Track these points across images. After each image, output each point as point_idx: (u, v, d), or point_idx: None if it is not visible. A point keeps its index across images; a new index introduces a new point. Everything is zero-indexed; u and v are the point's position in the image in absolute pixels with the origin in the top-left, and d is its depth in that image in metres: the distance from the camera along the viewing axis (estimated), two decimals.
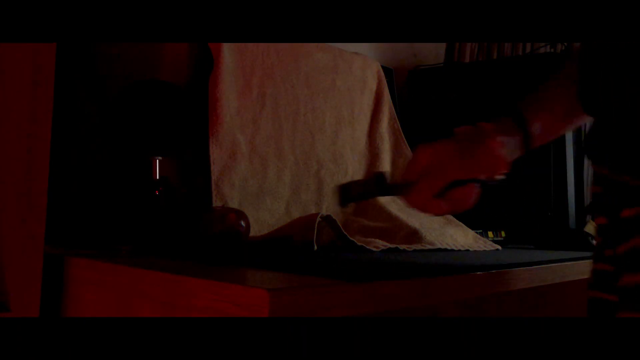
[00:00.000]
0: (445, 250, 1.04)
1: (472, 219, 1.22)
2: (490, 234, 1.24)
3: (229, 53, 1.09)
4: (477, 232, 1.19)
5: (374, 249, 0.94)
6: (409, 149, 1.39)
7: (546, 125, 0.67)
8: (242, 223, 0.87)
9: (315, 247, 0.89)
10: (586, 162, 1.30)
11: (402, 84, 1.55)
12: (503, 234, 1.26)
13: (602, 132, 0.60)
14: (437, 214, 0.64)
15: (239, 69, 1.12)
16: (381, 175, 0.69)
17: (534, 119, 0.66)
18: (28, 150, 0.72)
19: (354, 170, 1.30)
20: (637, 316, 0.53)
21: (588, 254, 0.79)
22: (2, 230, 0.77)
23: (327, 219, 0.94)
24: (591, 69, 0.59)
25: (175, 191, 0.95)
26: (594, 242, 0.69)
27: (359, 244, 0.94)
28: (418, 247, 1.01)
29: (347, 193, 0.71)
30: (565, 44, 1.42)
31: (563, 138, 1.27)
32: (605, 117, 0.58)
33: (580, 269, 0.88)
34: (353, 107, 1.33)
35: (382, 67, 1.43)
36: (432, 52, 1.75)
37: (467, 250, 1.08)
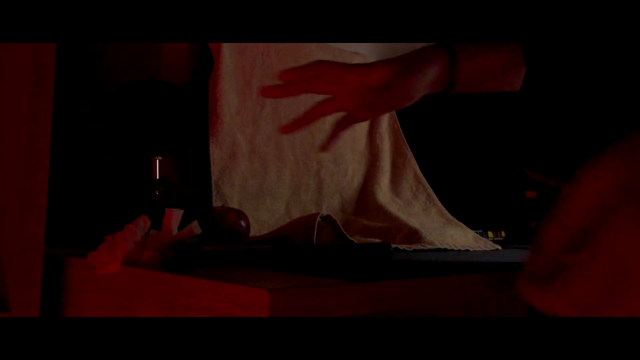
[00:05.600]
0: (445, 250, 1.04)
1: (472, 219, 1.22)
2: (490, 234, 1.24)
3: (229, 53, 1.09)
4: (477, 232, 1.19)
5: None
6: (409, 148, 1.39)
7: (475, 70, 0.66)
8: (242, 223, 0.87)
9: None
10: None
11: None
12: (503, 234, 1.26)
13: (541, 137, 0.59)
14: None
15: (239, 69, 1.12)
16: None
17: (466, 62, 0.64)
18: (28, 150, 0.72)
19: (354, 170, 1.30)
20: None
21: None
22: (2, 230, 0.77)
23: (327, 219, 0.94)
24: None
25: (175, 191, 0.95)
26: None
27: (359, 244, 0.94)
28: (418, 247, 1.01)
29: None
30: None
31: None
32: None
33: None
34: None
35: None
36: None
37: (467, 250, 1.08)
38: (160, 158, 0.94)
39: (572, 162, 0.53)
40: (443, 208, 1.29)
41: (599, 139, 0.50)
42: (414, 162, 1.38)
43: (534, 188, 0.63)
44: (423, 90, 0.66)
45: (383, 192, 1.31)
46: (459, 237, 1.13)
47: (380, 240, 1.01)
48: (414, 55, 0.67)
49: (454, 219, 1.23)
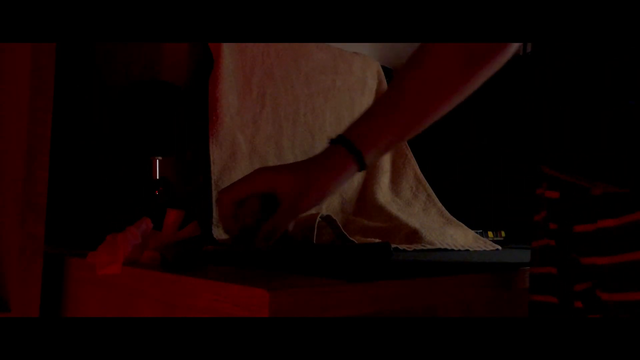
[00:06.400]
0: (445, 250, 1.04)
1: (472, 219, 1.22)
2: (490, 234, 1.24)
3: (229, 53, 1.09)
4: (477, 232, 1.19)
5: None
6: (409, 148, 1.39)
7: (379, 151, 0.69)
8: None
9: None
10: None
11: None
12: (503, 234, 1.26)
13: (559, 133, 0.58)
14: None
15: (239, 69, 1.12)
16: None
17: (368, 150, 0.67)
18: (28, 150, 0.72)
19: None
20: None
21: None
22: (2, 230, 0.77)
23: (327, 219, 0.94)
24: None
25: (175, 191, 0.95)
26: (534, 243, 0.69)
27: (359, 244, 0.94)
28: (418, 247, 1.01)
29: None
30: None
31: None
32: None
33: None
34: (353, 108, 1.33)
35: (382, 67, 1.43)
36: None
37: (467, 250, 1.08)
38: (160, 158, 0.94)
39: (608, 161, 0.52)
40: (443, 208, 1.29)
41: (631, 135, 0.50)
42: (414, 162, 1.38)
43: (556, 187, 0.61)
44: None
45: (383, 192, 1.31)
46: (459, 237, 1.13)
47: (380, 240, 1.01)
48: (322, 175, 0.68)
49: (454, 219, 1.23)
